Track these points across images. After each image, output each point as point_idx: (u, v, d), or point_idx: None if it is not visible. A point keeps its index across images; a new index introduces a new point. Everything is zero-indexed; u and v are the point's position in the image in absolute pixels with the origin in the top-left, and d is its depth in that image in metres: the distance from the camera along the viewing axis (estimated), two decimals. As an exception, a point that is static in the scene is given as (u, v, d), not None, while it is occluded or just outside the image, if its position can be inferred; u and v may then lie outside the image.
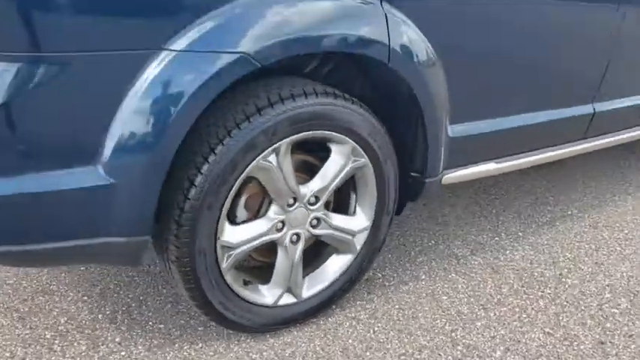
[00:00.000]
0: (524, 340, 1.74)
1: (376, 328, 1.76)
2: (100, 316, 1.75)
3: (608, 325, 1.84)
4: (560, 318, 1.85)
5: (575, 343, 1.74)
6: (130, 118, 1.25)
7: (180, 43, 1.25)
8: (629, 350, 1.73)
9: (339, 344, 1.68)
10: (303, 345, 1.67)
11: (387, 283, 1.98)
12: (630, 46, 2.24)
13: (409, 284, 1.98)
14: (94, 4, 1.17)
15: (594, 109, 2.29)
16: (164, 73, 1.25)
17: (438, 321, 1.81)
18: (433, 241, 2.27)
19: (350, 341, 1.70)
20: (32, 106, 1.18)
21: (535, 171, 2.89)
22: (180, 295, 1.83)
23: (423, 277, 2.03)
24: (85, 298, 1.82)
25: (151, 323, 1.73)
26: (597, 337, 1.78)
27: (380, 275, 2.02)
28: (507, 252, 2.22)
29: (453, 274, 2.06)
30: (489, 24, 1.80)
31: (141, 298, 1.84)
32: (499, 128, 1.99)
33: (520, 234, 2.37)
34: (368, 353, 1.65)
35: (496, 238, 2.32)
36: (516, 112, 2.03)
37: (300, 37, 1.37)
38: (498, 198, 2.68)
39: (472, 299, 1.92)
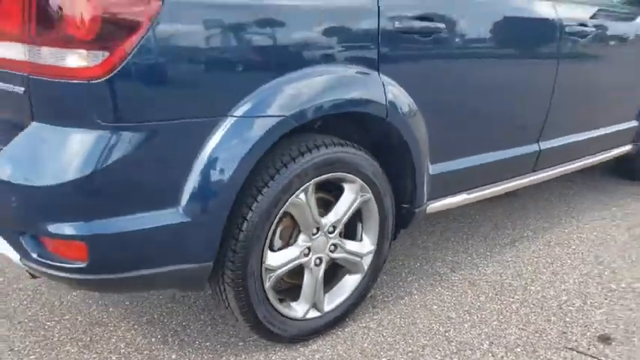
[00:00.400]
0: (504, 335, 2.15)
1: (385, 334, 2.13)
2: (153, 339, 2.05)
3: (568, 319, 2.27)
4: (530, 317, 2.27)
5: (544, 334, 2.16)
6: (203, 171, 1.62)
7: (241, 110, 1.65)
8: (586, 336, 2.16)
9: (357, 348, 2.05)
10: (327, 351, 2.03)
11: (386, 299, 2.36)
12: (565, 95, 2.78)
13: (405, 298, 2.37)
14: (176, 86, 1.56)
15: (540, 147, 2.80)
16: (228, 134, 1.64)
17: (433, 325, 2.20)
18: (418, 264, 2.68)
19: (365, 345, 2.06)
20: (129, 164, 1.54)
21: (494, 201, 3.36)
22: (223, 315, 2.16)
23: (415, 292, 2.43)
24: (136, 326, 2.12)
25: (198, 342, 2.05)
26: (560, 329, 2.20)
27: (380, 293, 2.40)
28: (480, 268, 2.65)
29: (439, 288, 2.46)
30: (456, 82, 2.27)
31: (184, 323, 2.16)
32: (467, 166, 2.45)
33: (488, 253, 2.81)
34: (382, 353, 2.02)
35: (469, 258, 2.75)
36: (480, 152, 2.50)
37: (327, 101, 1.79)
38: (466, 225, 3.13)
39: (457, 307, 2.33)
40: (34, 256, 1.58)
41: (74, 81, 1.46)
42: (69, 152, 1.50)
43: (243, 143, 1.65)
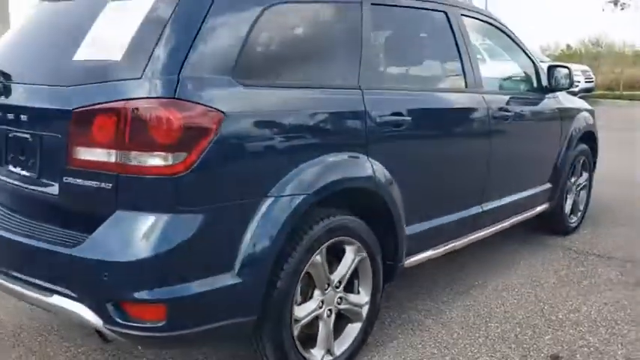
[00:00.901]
0: (484, 351, 2.65)
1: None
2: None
3: (524, 345, 2.80)
4: (495, 346, 2.78)
5: (509, 358, 2.68)
6: (250, 241, 2.06)
7: (276, 191, 2.12)
8: (541, 357, 2.69)
9: (366, 383, 2.46)
10: (342, 388, 2.42)
11: (378, 343, 2.80)
12: (497, 166, 3.44)
13: (394, 341, 2.82)
14: (233, 175, 2.02)
15: (482, 208, 3.42)
16: (268, 211, 2.09)
17: (431, 347, 2.66)
18: (397, 313, 3.15)
19: (372, 380, 2.48)
20: (197, 240, 1.95)
21: (447, 257, 3.93)
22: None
23: (400, 335, 2.89)
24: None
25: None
26: (521, 352, 2.73)
27: (372, 339, 2.83)
28: (447, 312, 3.16)
29: (418, 331, 2.94)
30: (420, 159, 2.87)
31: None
32: (432, 226, 3.01)
33: (450, 300, 3.33)
34: (386, 385, 2.45)
35: (436, 305, 3.26)
36: (441, 214, 3.08)
37: (339, 180, 2.31)
38: (429, 278, 3.65)
39: (437, 344, 2.81)
40: (118, 320, 1.92)
41: (159, 176, 1.88)
42: (150, 232, 1.90)
43: (279, 217, 2.11)
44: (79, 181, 2.00)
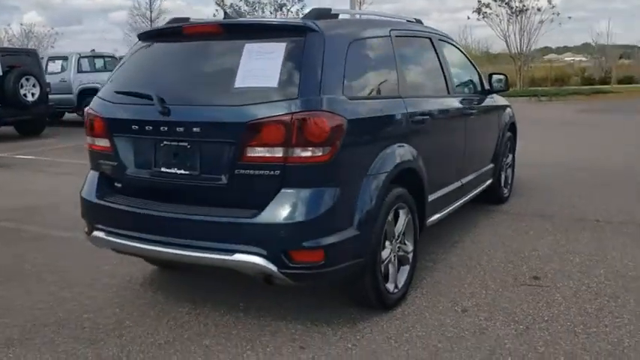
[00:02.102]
0: (488, 278, 3.78)
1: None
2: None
3: (511, 269, 3.98)
4: (493, 272, 3.93)
5: (503, 273, 3.84)
6: (360, 206, 3.01)
7: (371, 171, 3.10)
8: (520, 272, 3.88)
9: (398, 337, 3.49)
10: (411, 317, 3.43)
11: (415, 279, 3.84)
12: (468, 151, 4.64)
13: (424, 276, 3.88)
14: (352, 161, 2.97)
15: (462, 182, 4.59)
16: (368, 185, 3.06)
17: (449, 283, 3.74)
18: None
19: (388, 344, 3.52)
20: (337, 205, 2.88)
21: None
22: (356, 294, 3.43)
23: (424, 275, 3.95)
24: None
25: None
26: (511, 274, 3.90)
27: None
28: (447, 259, 4.27)
29: (436, 272, 4.02)
30: (434, 145, 3.94)
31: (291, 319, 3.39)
32: (440, 195, 4.12)
33: (445, 252, 4.45)
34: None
35: (437, 256, 4.36)
36: (444, 186, 4.20)
37: (400, 162, 3.34)
38: (422, 240, 4.74)
39: (453, 277, 3.91)
40: (289, 265, 2.80)
41: (313, 163, 2.79)
42: (309, 201, 2.81)
43: (374, 189, 3.08)
44: (250, 171, 2.85)
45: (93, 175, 3.47)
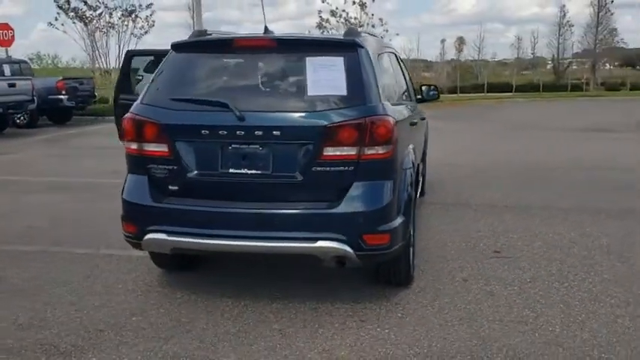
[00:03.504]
0: (469, 253, 4.54)
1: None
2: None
3: (472, 245, 4.80)
4: (463, 251, 4.72)
5: (471, 251, 4.64)
6: (402, 195, 3.56)
7: (405, 165, 3.68)
8: (483, 247, 4.73)
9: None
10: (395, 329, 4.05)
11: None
12: (421, 146, 5.42)
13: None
14: (400, 159, 3.51)
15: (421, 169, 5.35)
16: (404, 177, 3.63)
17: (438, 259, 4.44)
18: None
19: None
20: (396, 195, 3.40)
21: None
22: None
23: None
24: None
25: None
26: (476, 249, 4.71)
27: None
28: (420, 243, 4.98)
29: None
30: (417, 141, 4.62)
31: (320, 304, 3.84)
32: (422, 178, 4.82)
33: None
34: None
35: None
36: (423, 170, 4.91)
37: (417, 157, 3.94)
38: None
39: (430, 254, 4.62)
40: (364, 247, 3.25)
41: (380, 159, 3.28)
42: (379, 191, 3.30)
43: (408, 181, 3.66)
44: (327, 168, 3.24)
45: (139, 179, 3.55)
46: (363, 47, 3.49)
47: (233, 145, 3.34)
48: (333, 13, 26.91)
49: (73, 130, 15.54)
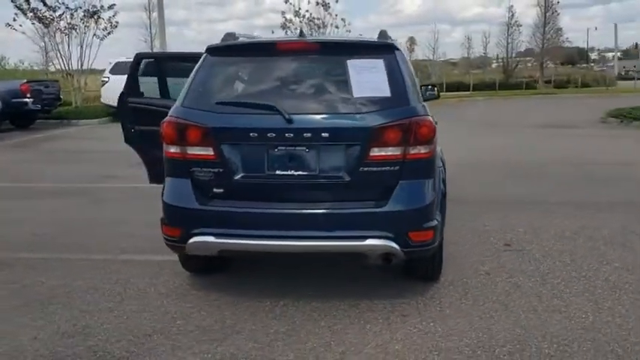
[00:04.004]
0: (477, 244, 4.71)
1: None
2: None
3: (481, 239, 4.98)
4: (472, 240, 4.89)
5: (482, 242, 4.81)
6: (439, 191, 3.69)
7: (438, 164, 3.79)
8: (494, 240, 4.91)
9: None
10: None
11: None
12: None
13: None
14: (436, 158, 3.62)
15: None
16: (439, 175, 3.75)
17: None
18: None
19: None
20: (437, 193, 3.52)
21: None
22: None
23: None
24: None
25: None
26: (489, 240, 4.89)
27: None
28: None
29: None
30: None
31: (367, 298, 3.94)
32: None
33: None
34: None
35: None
36: None
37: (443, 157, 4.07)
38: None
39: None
40: (410, 244, 3.36)
41: (423, 158, 3.40)
42: (425, 190, 3.42)
43: (441, 179, 3.79)
44: (374, 168, 3.33)
45: (181, 182, 3.55)
46: (399, 49, 3.61)
47: (279, 148, 3.39)
48: (296, 14, 26.91)
49: (39, 135, 15.08)
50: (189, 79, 3.68)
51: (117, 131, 5.57)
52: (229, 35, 3.91)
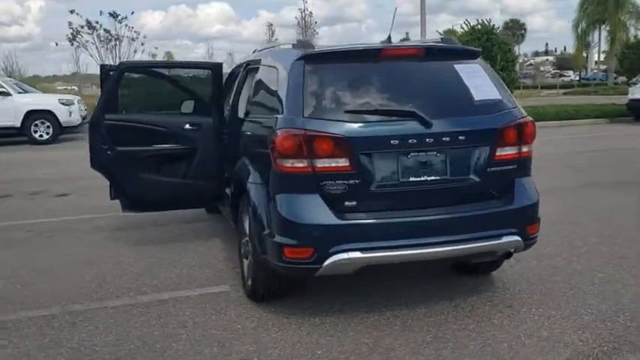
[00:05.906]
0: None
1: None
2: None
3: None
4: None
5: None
6: None
7: None
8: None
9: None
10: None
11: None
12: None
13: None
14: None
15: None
16: None
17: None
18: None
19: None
20: None
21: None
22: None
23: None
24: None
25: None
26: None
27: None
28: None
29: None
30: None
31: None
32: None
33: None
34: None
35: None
36: None
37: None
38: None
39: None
40: (529, 236, 3.54)
41: (529, 156, 3.61)
42: (533, 185, 3.68)
43: None
44: (498, 168, 3.44)
45: (308, 198, 3.28)
46: (480, 54, 3.81)
47: (412, 154, 3.33)
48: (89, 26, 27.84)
49: None
50: (291, 89, 3.39)
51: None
52: (304, 43, 3.70)
